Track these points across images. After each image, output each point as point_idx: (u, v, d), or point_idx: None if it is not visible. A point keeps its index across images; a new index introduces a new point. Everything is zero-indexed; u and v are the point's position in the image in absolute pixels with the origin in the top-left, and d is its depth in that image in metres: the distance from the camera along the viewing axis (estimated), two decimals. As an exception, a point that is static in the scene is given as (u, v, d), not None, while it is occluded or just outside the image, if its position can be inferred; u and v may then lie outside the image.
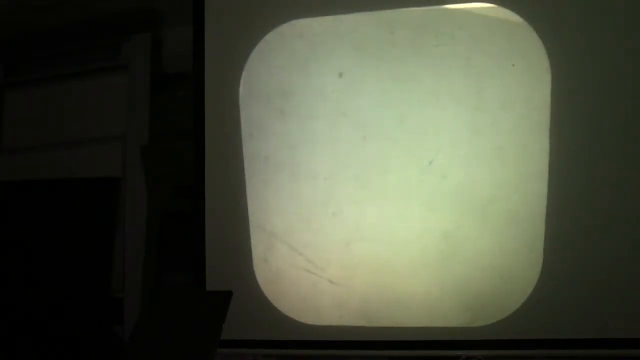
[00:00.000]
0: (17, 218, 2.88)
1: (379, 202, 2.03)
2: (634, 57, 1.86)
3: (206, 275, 2.16)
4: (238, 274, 2.12)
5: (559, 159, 1.88)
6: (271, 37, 2.15)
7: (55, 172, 2.91)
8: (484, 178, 1.94)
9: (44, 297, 2.70)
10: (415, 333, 1.97)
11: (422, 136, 2.00)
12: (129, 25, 2.85)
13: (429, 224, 1.98)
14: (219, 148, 2.20)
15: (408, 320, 1.98)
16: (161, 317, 1.70)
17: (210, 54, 2.22)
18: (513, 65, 1.93)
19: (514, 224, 1.91)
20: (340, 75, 2.08)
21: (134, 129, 2.81)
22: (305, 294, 2.08)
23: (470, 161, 1.96)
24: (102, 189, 2.80)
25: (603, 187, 1.86)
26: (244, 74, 2.17)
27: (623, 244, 1.84)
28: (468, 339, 1.93)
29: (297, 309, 2.08)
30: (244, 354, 2.15)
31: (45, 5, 2.72)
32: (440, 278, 1.96)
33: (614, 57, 1.87)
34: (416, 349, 1.98)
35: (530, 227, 1.90)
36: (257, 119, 2.16)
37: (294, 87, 2.13)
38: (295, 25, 2.13)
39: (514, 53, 1.93)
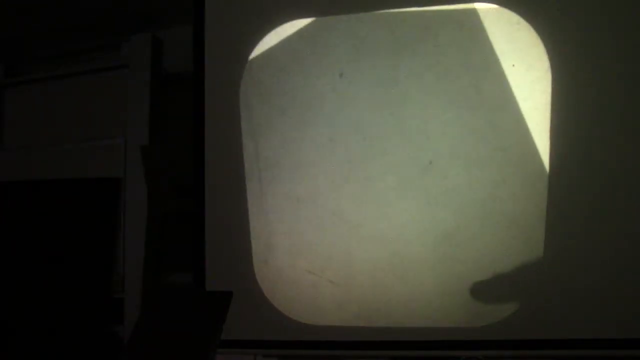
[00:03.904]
0: (17, 218, 2.88)
1: (379, 202, 2.03)
2: (634, 57, 1.86)
3: (206, 275, 2.16)
4: (238, 274, 2.12)
5: (559, 159, 1.89)
6: (271, 37, 2.15)
7: (55, 172, 2.92)
8: (484, 178, 1.94)
9: (44, 297, 2.71)
10: (415, 333, 1.97)
11: (422, 136, 2.00)
12: (129, 25, 2.85)
13: (429, 224, 1.98)
14: (219, 148, 2.20)
15: (408, 320, 1.98)
16: (161, 317, 1.70)
17: (210, 54, 2.22)
18: (513, 65, 1.93)
19: (514, 223, 1.91)
20: (340, 75, 2.08)
21: (134, 129, 2.81)
22: (305, 294, 2.08)
23: (470, 161, 1.96)
24: (102, 189, 2.80)
25: (603, 187, 1.86)
26: (244, 73, 2.17)
27: (623, 244, 1.84)
28: (468, 339, 1.93)
29: (297, 309, 2.08)
30: (244, 354, 2.15)
31: (45, 5, 2.72)
32: (440, 278, 1.96)
33: (614, 57, 1.87)
34: (416, 349, 1.98)
35: (530, 226, 1.90)
36: (257, 118, 2.16)
37: (294, 87, 2.13)
38: (295, 25, 2.14)
39: (514, 53, 1.93)
